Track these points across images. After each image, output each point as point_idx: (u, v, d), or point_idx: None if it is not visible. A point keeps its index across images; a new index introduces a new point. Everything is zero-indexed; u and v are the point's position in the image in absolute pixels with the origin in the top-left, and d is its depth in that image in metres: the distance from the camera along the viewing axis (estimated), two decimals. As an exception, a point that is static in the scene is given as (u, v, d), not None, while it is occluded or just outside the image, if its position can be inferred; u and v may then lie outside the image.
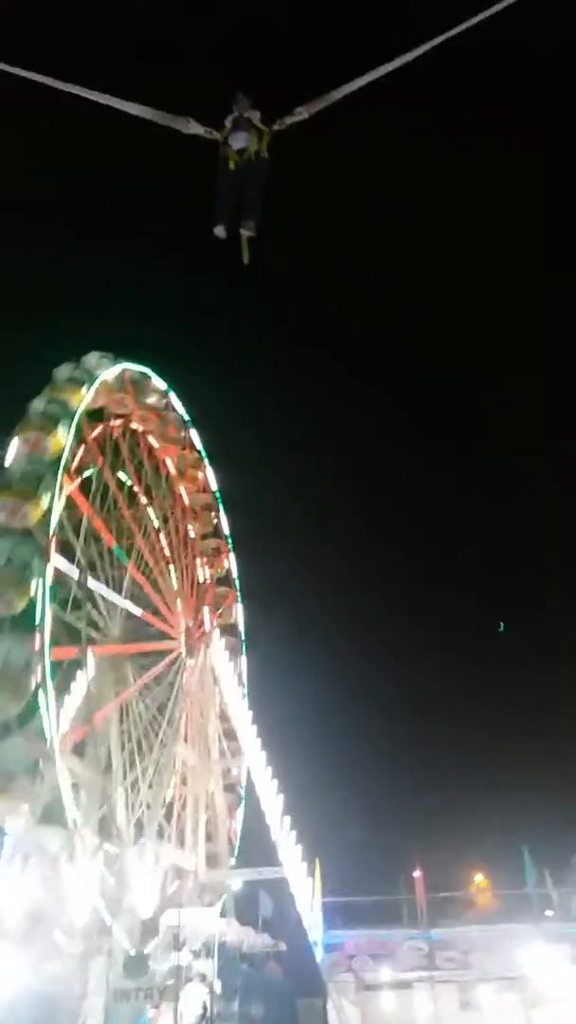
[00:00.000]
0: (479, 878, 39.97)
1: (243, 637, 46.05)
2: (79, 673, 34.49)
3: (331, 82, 9.59)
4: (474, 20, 9.41)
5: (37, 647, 27.82)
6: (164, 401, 42.39)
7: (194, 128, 9.66)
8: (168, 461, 44.12)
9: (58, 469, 31.21)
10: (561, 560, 74.79)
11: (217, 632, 42.61)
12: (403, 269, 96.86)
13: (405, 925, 35.17)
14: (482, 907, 38.14)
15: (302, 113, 9.66)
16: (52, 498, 30.45)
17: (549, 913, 36.28)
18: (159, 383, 41.63)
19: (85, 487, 36.26)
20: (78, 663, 33.91)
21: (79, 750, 33.67)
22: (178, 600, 41.54)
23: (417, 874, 35.23)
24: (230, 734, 41.73)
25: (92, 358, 36.46)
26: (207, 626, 42.34)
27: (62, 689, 33.42)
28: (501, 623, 69.51)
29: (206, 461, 45.65)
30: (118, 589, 38.27)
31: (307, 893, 34.68)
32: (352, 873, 39.72)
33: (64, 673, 33.49)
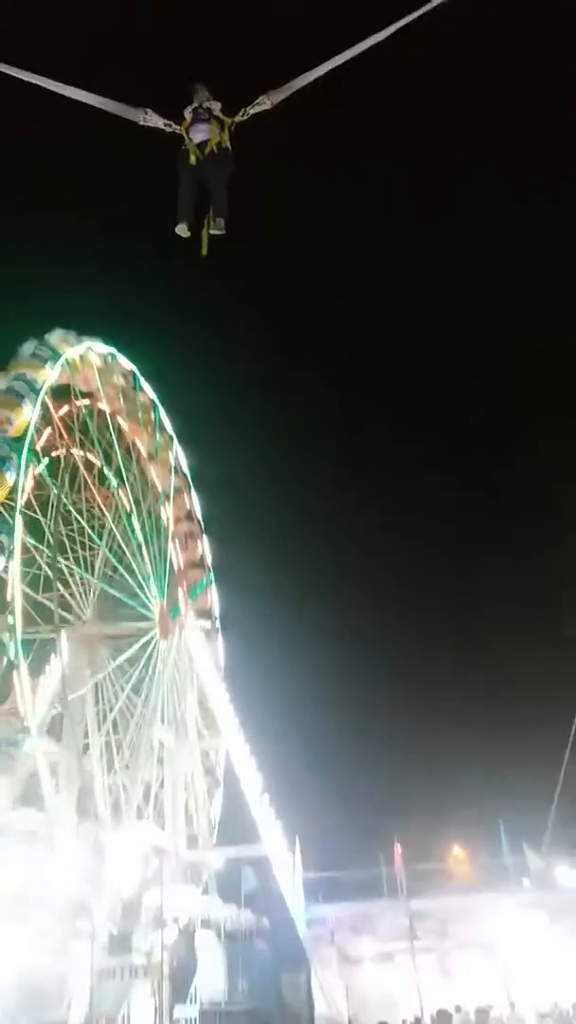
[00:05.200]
0: (457, 850, 40.48)
1: (218, 622, 45.80)
2: (53, 656, 34.41)
3: (295, 69, 9.27)
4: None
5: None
6: (131, 383, 42.03)
7: (152, 120, 9.18)
8: (138, 443, 43.74)
9: (23, 446, 31.13)
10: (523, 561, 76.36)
11: (192, 613, 42.39)
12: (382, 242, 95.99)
13: (385, 898, 35.75)
14: (460, 878, 38.72)
15: (265, 102, 9.25)
16: (19, 475, 30.37)
17: (526, 882, 37.00)
18: (125, 363, 41.15)
19: (53, 468, 35.98)
20: (52, 644, 33.81)
21: (55, 732, 33.63)
22: (152, 582, 41.25)
23: (398, 847, 35.75)
24: (208, 714, 41.69)
25: (56, 335, 35.76)
26: (182, 606, 42.07)
27: (37, 670, 33.35)
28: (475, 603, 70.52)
29: (176, 442, 45.33)
30: (91, 570, 38.09)
31: (288, 869, 35.02)
32: (332, 849, 40.16)
33: (38, 654, 33.46)
